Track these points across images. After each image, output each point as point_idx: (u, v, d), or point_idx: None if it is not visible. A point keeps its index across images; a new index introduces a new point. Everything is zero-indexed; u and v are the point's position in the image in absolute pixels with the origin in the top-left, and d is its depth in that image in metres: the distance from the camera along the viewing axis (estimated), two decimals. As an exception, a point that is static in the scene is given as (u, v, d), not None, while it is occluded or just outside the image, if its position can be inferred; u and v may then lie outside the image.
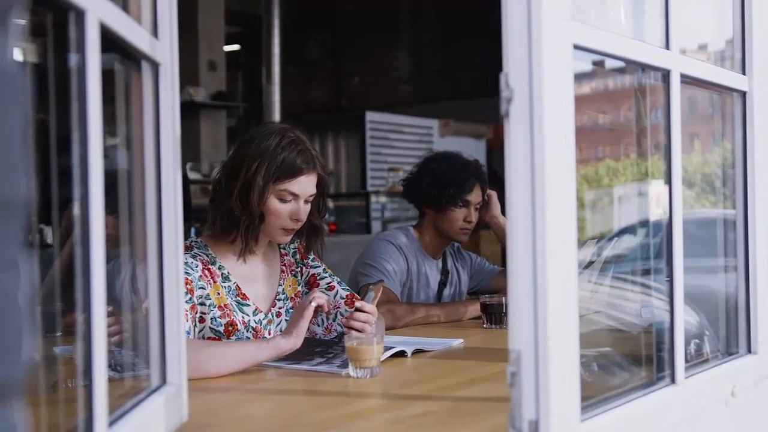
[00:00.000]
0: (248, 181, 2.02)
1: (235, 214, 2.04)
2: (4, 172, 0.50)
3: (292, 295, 2.23)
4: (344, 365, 1.82)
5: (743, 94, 1.71)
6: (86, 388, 0.95)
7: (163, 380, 1.29)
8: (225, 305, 2.05)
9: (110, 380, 1.00)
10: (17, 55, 0.55)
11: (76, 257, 0.95)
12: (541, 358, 1.09)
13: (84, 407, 0.95)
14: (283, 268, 2.23)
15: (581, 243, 1.18)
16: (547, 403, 1.08)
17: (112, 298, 1.06)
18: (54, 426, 1.07)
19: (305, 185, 2.07)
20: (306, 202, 2.09)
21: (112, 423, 1.02)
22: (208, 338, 2.02)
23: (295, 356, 1.96)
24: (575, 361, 1.14)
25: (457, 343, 2.23)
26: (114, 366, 1.22)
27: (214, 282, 2.06)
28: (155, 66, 1.27)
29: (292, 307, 2.20)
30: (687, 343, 1.51)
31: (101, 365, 0.96)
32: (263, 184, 2.02)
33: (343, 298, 2.23)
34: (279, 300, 2.19)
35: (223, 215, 2.07)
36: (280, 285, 2.20)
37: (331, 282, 2.26)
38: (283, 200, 2.05)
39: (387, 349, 1.94)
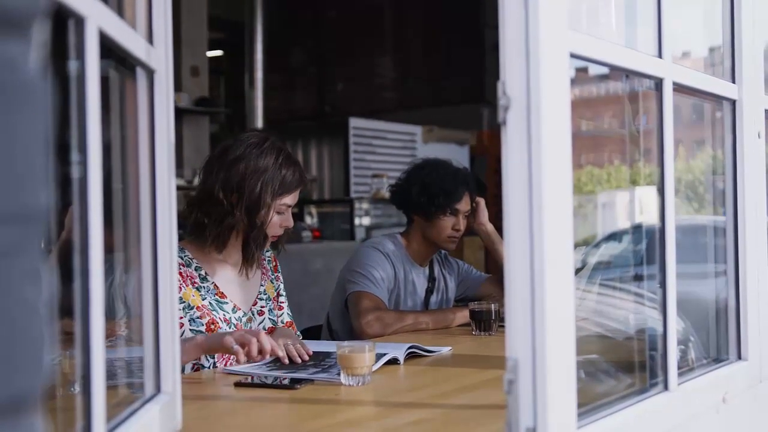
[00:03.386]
0: (256, 200, 2.11)
1: (242, 230, 2.13)
2: (28, 182, 0.50)
3: (273, 296, 2.32)
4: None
5: (733, 102, 1.72)
6: (84, 398, 0.94)
7: (158, 389, 1.28)
8: (203, 305, 2.10)
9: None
10: (39, 65, 0.55)
11: (64, 264, 0.94)
12: (539, 366, 1.09)
13: (81, 416, 0.94)
14: (264, 270, 2.32)
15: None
16: (545, 410, 1.08)
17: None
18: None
19: (297, 196, 2.20)
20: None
21: (108, 433, 1.01)
22: None
23: (290, 366, 1.95)
24: (572, 369, 1.15)
25: (446, 350, 2.23)
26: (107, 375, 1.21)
27: (191, 283, 2.11)
28: (150, 73, 1.26)
29: (273, 308, 2.29)
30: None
31: (99, 375, 0.95)
32: (271, 201, 2.13)
33: (284, 323, 2.35)
34: (261, 299, 2.27)
35: (226, 229, 2.13)
36: (262, 285, 2.29)
37: (283, 303, 2.38)
38: (279, 212, 2.17)
39: (379, 357, 1.93)
